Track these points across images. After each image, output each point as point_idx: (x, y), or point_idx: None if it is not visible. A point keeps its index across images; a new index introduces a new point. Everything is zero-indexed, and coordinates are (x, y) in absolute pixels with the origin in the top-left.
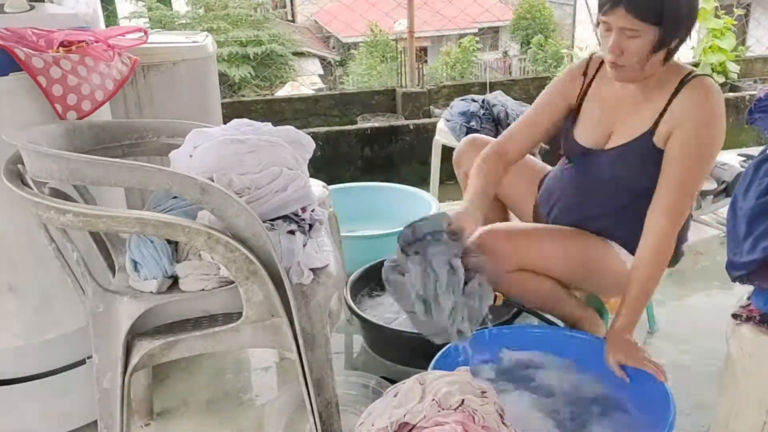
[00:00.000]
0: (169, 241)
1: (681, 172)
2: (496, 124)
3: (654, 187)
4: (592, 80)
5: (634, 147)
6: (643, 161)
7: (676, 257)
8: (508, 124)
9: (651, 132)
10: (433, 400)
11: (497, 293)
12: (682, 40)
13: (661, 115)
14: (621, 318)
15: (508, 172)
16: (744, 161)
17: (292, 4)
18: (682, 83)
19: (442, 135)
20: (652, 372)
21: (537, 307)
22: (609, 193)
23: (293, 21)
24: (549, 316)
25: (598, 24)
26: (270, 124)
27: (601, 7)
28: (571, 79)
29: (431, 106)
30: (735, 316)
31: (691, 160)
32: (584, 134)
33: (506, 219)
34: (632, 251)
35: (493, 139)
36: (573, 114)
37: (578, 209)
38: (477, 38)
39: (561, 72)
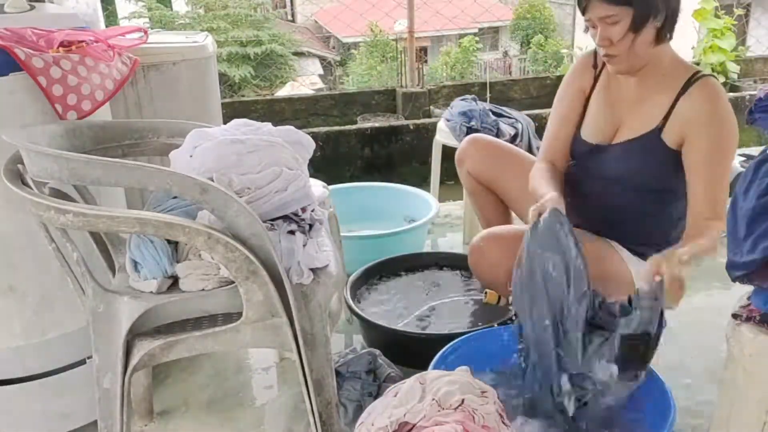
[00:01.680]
0: (169, 241)
1: (713, 178)
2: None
3: (656, 185)
4: (599, 74)
5: (642, 143)
6: (650, 157)
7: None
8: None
9: (659, 129)
10: (433, 399)
11: (499, 294)
12: (667, 19)
13: (669, 112)
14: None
15: (510, 172)
16: (744, 161)
17: (292, 4)
18: (689, 83)
19: (443, 135)
20: (667, 287)
21: None
22: (612, 191)
23: (293, 21)
24: None
25: (586, 29)
26: (270, 124)
27: (580, 6)
28: (583, 71)
29: (431, 106)
30: (735, 316)
31: (719, 164)
32: (591, 131)
33: (509, 220)
34: (634, 252)
35: (495, 138)
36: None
37: (580, 210)
38: (477, 38)
39: (569, 69)
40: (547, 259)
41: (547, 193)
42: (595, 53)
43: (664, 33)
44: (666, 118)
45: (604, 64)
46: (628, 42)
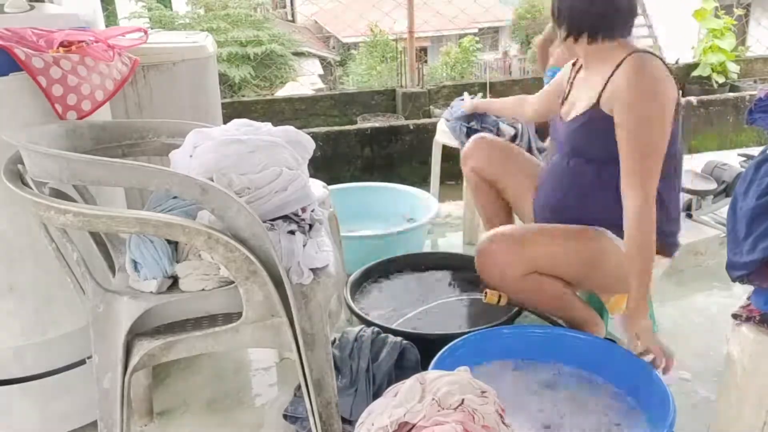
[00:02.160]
0: (169, 241)
1: (631, 144)
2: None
3: (610, 155)
4: (579, 70)
5: (586, 117)
6: (594, 129)
7: (671, 247)
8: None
9: (597, 101)
10: (433, 399)
11: (500, 294)
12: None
13: (605, 86)
14: (630, 300)
15: (513, 172)
16: (744, 161)
17: (292, 4)
18: (624, 59)
19: (443, 135)
20: (657, 355)
21: (546, 310)
22: (577, 170)
23: (293, 21)
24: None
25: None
26: (270, 124)
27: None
28: (564, 72)
29: (431, 106)
30: (735, 316)
31: (636, 131)
32: (562, 113)
33: (510, 219)
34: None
35: (500, 139)
36: (563, 98)
37: (555, 194)
38: (477, 38)
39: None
40: None
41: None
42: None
43: (594, 36)
44: (602, 91)
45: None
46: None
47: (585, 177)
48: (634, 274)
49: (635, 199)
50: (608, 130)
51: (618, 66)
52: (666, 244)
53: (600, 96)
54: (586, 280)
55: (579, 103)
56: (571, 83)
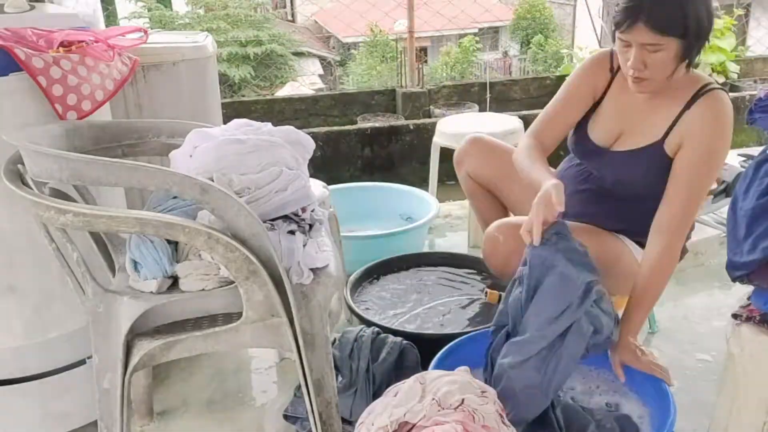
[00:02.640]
0: (169, 241)
1: (688, 188)
2: None
3: (659, 191)
4: (614, 77)
5: (645, 154)
6: (651, 168)
7: (684, 249)
8: None
9: (662, 141)
10: (433, 399)
11: (501, 293)
12: (702, 46)
13: (673, 124)
14: (627, 323)
15: (509, 174)
16: (744, 161)
17: (292, 4)
18: (697, 95)
19: (441, 137)
20: (660, 377)
21: None
22: (614, 193)
23: (293, 21)
24: None
25: (613, 38)
26: (270, 124)
27: (618, 24)
28: (598, 71)
29: (431, 106)
30: (735, 316)
31: (699, 176)
32: (597, 131)
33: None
34: (640, 244)
35: (494, 140)
36: (593, 108)
37: (584, 207)
38: (477, 38)
39: (585, 61)
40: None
41: (543, 180)
42: (611, 54)
43: (694, 60)
44: (670, 128)
45: (619, 68)
46: (668, 70)
47: (629, 210)
48: (641, 301)
49: (672, 242)
50: (664, 169)
51: (689, 103)
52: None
53: (666, 134)
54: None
55: (636, 134)
56: (605, 97)
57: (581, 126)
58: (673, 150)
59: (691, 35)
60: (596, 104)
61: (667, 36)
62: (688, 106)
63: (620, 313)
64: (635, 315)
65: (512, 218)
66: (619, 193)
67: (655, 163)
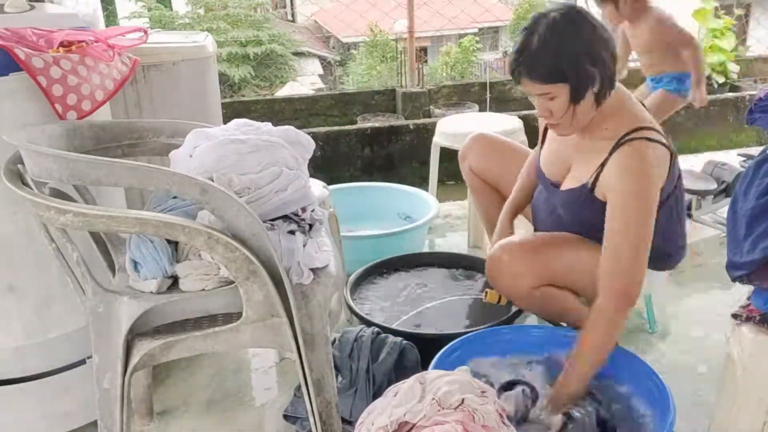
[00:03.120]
0: (169, 241)
1: (614, 248)
2: None
3: (598, 232)
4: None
5: (578, 194)
6: (586, 209)
7: (677, 258)
8: None
9: (592, 185)
10: (433, 399)
11: (501, 294)
12: (604, 81)
13: (600, 168)
14: (571, 382)
15: (512, 170)
16: (744, 161)
17: (292, 4)
18: (618, 144)
19: (441, 137)
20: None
21: (555, 319)
22: (562, 227)
23: (293, 21)
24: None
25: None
26: (270, 124)
27: (513, 80)
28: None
29: (431, 106)
30: (735, 316)
31: (623, 233)
32: (546, 163)
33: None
34: None
35: (499, 136)
36: (542, 139)
37: (557, 230)
38: (477, 38)
39: None
40: None
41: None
42: None
43: (603, 95)
44: (597, 175)
45: None
46: (569, 113)
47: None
48: (586, 367)
49: (613, 313)
50: (596, 212)
51: (612, 150)
52: (671, 262)
53: (595, 180)
54: (594, 287)
55: (574, 174)
56: (547, 133)
57: (536, 159)
58: (603, 196)
59: (573, 78)
60: (544, 135)
61: (550, 84)
62: (611, 153)
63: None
64: (580, 368)
65: (516, 238)
66: (577, 230)
67: (589, 205)
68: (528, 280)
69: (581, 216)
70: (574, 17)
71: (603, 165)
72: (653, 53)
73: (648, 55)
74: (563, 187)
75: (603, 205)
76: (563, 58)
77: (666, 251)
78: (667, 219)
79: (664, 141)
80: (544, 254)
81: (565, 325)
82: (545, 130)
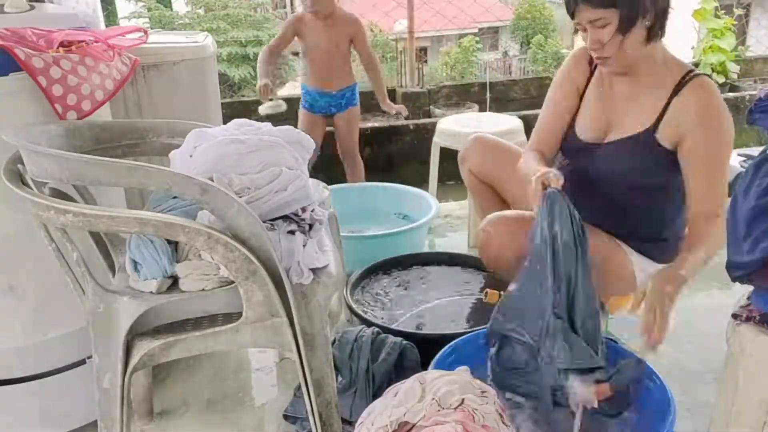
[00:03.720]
0: (169, 241)
1: (713, 177)
2: None
3: (650, 184)
4: (594, 69)
5: (635, 142)
6: (644, 156)
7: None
8: None
9: (653, 129)
10: (433, 399)
11: (501, 292)
12: (657, 17)
13: (663, 113)
14: (680, 260)
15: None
16: (744, 161)
17: (292, 4)
18: (681, 83)
19: (441, 137)
20: (658, 325)
21: None
22: (607, 190)
23: None
24: None
25: (576, 31)
26: (270, 124)
27: (568, 11)
28: (576, 66)
29: (431, 106)
30: (735, 316)
31: (717, 164)
32: (584, 128)
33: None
34: (638, 249)
35: (499, 138)
36: (576, 105)
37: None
38: (477, 38)
39: (564, 61)
40: (559, 229)
41: (542, 169)
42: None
43: (654, 31)
44: (659, 118)
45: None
46: (617, 43)
47: (625, 207)
48: (703, 255)
49: (717, 229)
50: (658, 157)
51: (676, 89)
52: (671, 257)
53: (657, 122)
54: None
55: (624, 124)
56: (586, 91)
57: (569, 128)
58: (669, 140)
59: (625, 4)
60: (579, 101)
61: (603, 8)
62: (675, 92)
63: (609, 306)
64: (689, 256)
65: (505, 212)
66: (612, 190)
67: (648, 151)
68: (513, 249)
69: (633, 164)
70: None
71: (666, 106)
72: None
73: None
74: (609, 139)
75: (663, 151)
76: None
77: (666, 233)
78: (679, 212)
79: None
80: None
81: None
82: (581, 95)
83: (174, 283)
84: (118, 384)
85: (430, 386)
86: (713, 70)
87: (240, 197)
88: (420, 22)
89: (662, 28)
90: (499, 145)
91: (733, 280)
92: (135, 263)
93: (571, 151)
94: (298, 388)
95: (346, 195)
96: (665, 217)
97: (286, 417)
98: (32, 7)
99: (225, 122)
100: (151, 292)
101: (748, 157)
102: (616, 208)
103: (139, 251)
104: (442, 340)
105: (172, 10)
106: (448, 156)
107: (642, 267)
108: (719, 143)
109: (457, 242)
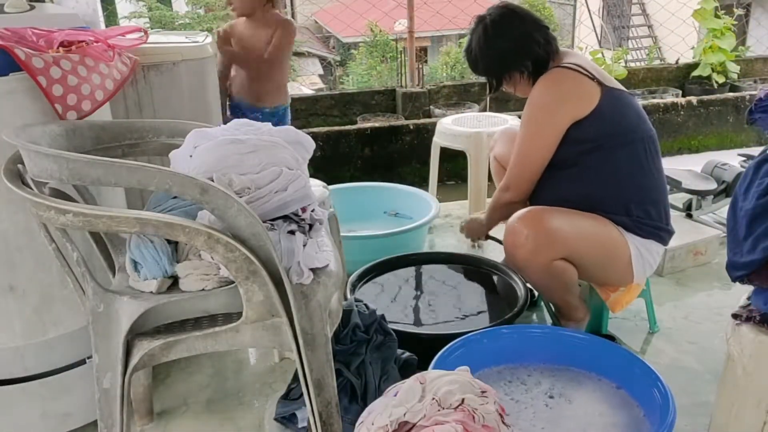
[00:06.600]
0: (169, 241)
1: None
2: None
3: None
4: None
5: None
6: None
7: (665, 236)
8: None
9: None
10: (433, 399)
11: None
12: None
13: None
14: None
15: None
16: (744, 161)
17: (292, 4)
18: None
19: (442, 137)
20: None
21: (550, 292)
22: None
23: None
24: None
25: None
26: (270, 123)
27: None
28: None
29: (431, 106)
30: (735, 316)
31: (518, 143)
32: None
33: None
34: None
35: None
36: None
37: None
38: None
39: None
40: None
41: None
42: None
43: (538, 71)
44: None
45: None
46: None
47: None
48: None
49: (509, 197)
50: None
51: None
52: (660, 236)
53: None
54: (595, 267)
55: None
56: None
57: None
58: None
59: (503, 72)
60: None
61: (489, 77)
62: None
63: (609, 304)
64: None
65: (536, 207)
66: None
67: None
68: (542, 256)
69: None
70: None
71: None
72: None
73: None
74: None
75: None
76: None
77: (660, 224)
78: (639, 172)
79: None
80: (560, 230)
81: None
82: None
83: (174, 283)
84: (118, 384)
85: (430, 386)
86: (713, 70)
87: (240, 197)
88: (420, 22)
89: (545, 66)
90: None
91: (733, 280)
92: (135, 263)
93: None
94: (288, 391)
95: (347, 195)
96: (606, 186)
97: (278, 420)
98: (32, 7)
99: (225, 122)
100: (151, 292)
101: (748, 157)
102: (563, 187)
103: (139, 251)
104: (442, 340)
105: (172, 10)
106: (448, 156)
107: (635, 244)
108: (524, 122)
109: (456, 242)
